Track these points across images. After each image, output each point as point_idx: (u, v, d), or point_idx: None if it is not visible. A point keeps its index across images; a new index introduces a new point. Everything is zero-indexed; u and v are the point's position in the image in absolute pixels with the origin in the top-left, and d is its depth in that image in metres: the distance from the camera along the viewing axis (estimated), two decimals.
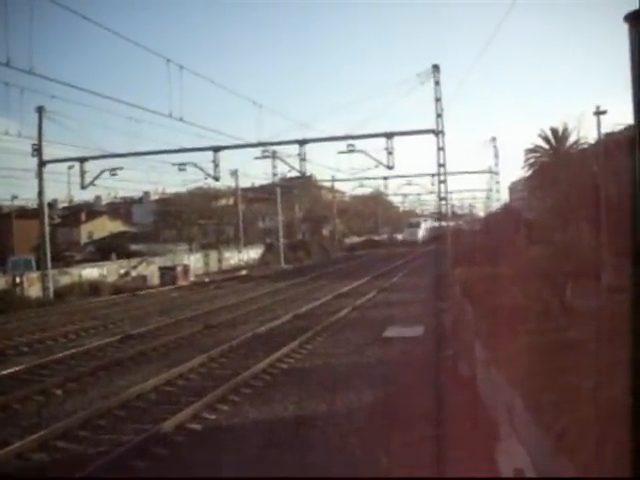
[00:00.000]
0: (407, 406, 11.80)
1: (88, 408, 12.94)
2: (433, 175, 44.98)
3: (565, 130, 44.83)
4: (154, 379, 15.09)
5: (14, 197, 60.93)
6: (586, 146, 36.85)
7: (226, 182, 55.22)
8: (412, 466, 8.82)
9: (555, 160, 41.35)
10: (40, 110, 32.44)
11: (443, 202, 28.55)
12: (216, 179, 30.43)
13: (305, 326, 21.87)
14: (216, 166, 29.17)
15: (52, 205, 58.03)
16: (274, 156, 38.41)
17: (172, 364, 16.82)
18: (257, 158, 36.23)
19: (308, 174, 44.73)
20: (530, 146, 48.80)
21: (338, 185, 72.08)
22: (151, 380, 14.99)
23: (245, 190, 68.32)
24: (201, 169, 31.68)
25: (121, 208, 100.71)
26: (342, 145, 31.48)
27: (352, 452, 10.17)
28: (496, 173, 56.50)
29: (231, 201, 70.25)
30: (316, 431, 11.28)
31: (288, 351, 17.92)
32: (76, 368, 16.97)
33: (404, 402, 12.08)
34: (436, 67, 27.94)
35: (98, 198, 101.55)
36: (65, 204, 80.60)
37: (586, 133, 38.03)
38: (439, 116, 26.46)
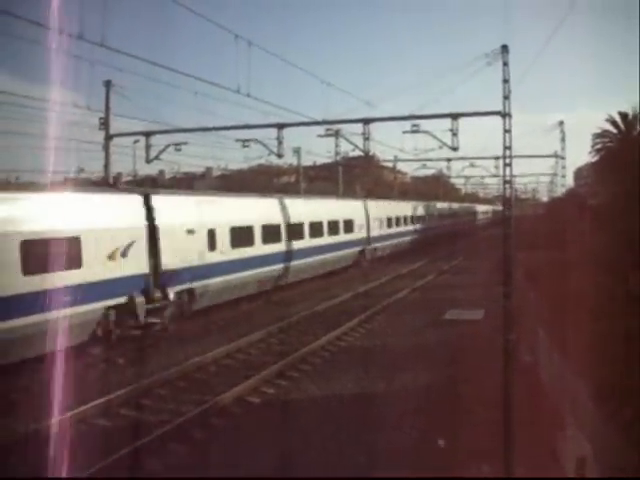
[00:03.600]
0: (465, 390, 11.72)
1: (149, 377, 13.21)
2: (497, 158, 44.16)
3: (636, 115, 43.52)
4: (213, 352, 15.32)
5: (80, 170, 61.92)
6: None
7: (288, 160, 55.04)
8: (469, 451, 8.76)
9: (624, 145, 40.26)
10: (108, 84, 32.81)
11: (507, 186, 27.90)
12: (279, 156, 30.23)
13: (364, 306, 21.80)
14: (279, 143, 29.00)
15: (117, 178, 58.80)
16: (337, 134, 38.03)
17: (232, 338, 17.01)
18: (320, 136, 35.79)
19: (371, 153, 44.29)
20: (598, 131, 47.59)
21: (400, 165, 71.07)
22: (210, 353, 15.22)
23: (307, 168, 68.18)
24: (264, 146, 31.59)
25: (183, 183, 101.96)
26: (406, 125, 31.02)
27: (409, 433, 10.17)
28: (562, 157, 55.04)
29: (293, 179, 70.19)
30: (373, 409, 11.29)
31: (347, 329, 17.97)
32: (138, 339, 17.25)
33: (462, 386, 11.99)
34: (505, 48, 27.24)
35: (161, 172, 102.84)
36: (129, 178, 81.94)
37: None
38: (506, 98, 25.80)
